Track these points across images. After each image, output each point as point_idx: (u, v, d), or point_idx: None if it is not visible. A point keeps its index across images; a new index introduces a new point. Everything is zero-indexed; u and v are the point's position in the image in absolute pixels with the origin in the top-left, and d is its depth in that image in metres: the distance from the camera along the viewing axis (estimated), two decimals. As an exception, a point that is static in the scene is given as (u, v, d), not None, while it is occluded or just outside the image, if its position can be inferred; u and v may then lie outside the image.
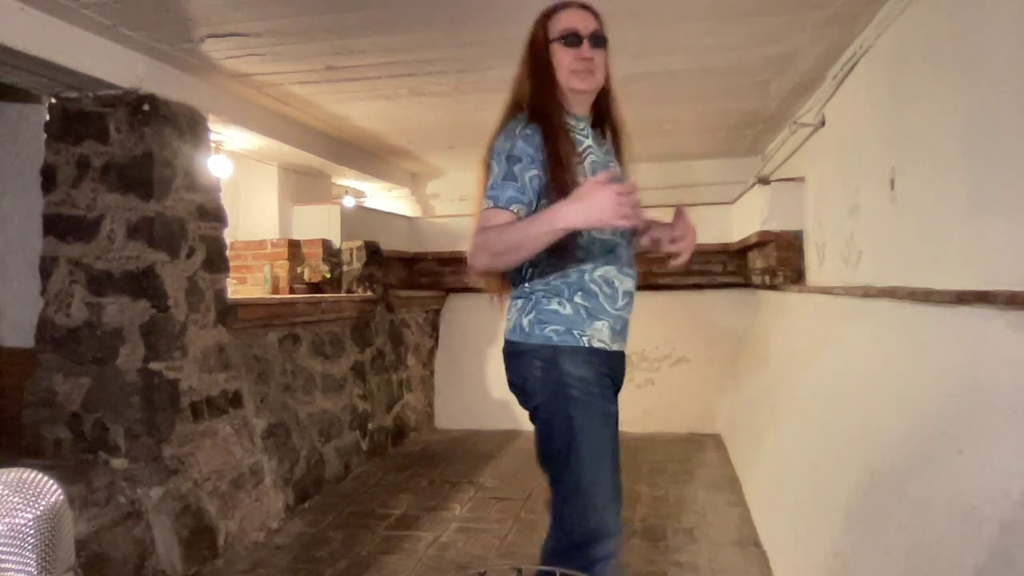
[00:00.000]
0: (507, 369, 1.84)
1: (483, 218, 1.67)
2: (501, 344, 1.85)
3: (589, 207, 1.52)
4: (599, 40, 1.79)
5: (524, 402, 1.82)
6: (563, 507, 1.76)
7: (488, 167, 1.74)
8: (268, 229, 5.04)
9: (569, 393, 1.72)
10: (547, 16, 1.80)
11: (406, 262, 6.02)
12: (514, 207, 1.64)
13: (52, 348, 3.11)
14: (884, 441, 2.15)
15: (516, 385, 1.82)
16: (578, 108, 1.82)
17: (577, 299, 1.75)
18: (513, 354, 1.80)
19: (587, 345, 1.74)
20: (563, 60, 1.76)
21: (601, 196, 1.50)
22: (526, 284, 1.79)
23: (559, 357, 1.73)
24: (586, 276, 1.75)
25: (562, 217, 1.54)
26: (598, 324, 1.75)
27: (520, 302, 1.80)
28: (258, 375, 3.77)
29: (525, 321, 1.77)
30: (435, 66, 3.50)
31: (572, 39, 1.76)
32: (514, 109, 1.81)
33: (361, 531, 3.53)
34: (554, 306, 1.74)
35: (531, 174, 1.67)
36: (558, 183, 1.66)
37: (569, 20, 1.78)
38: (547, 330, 1.74)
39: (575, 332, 1.73)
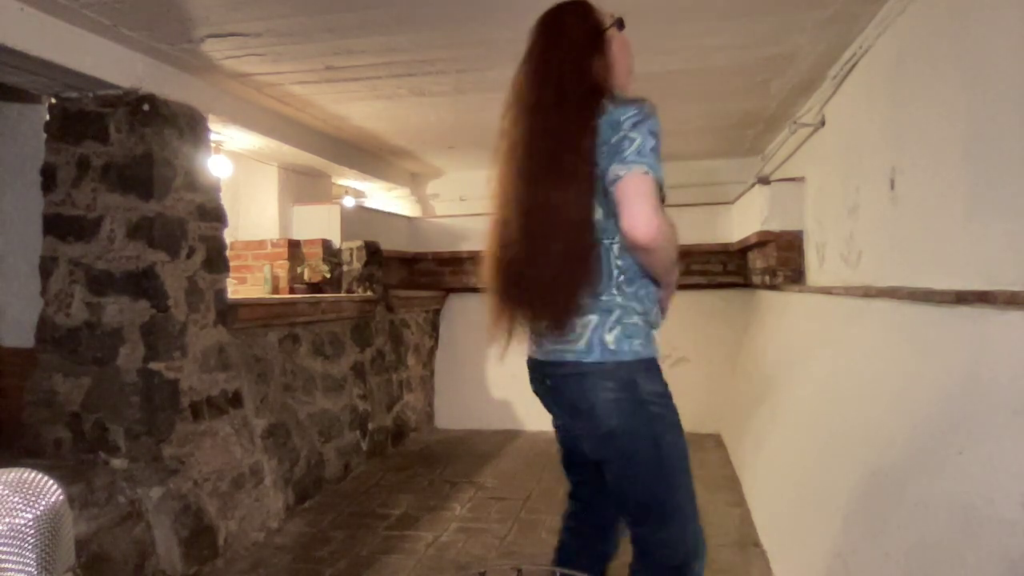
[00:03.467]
0: (563, 392, 1.67)
1: (650, 184, 1.49)
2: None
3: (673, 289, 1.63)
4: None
5: (589, 425, 1.66)
6: (658, 532, 1.67)
7: (584, 130, 1.55)
8: (268, 229, 5.04)
9: (650, 411, 1.63)
10: (587, 4, 1.71)
11: (406, 262, 6.02)
12: (662, 189, 1.53)
13: (52, 348, 3.11)
14: (884, 441, 2.15)
15: (579, 410, 1.66)
16: None
17: (647, 306, 1.66)
18: (576, 376, 1.63)
19: (656, 356, 1.66)
20: (625, 47, 1.72)
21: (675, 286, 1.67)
22: (606, 296, 1.61)
23: (636, 375, 1.62)
24: (651, 287, 1.68)
25: (675, 276, 1.62)
26: (655, 334, 1.70)
27: (594, 317, 1.61)
28: (258, 375, 3.77)
29: (609, 337, 1.60)
30: (435, 66, 3.50)
31: (622, 25, 1.71)
32: (592, 95, 1.60)
33: (361, 531, 3.53)
34: (635, 318, 1.62)
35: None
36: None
37: (605, 8, 1.71)
38: (635, 344, 1.62)
39: (650, 344, 1.65)
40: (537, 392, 1.81)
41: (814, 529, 2.47)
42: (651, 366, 1.65)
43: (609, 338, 1.60)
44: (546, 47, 1.68)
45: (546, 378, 1.71)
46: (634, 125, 1.53)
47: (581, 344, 1.61)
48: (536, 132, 1.62)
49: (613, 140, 1.53)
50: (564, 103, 1.60)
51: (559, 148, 1.58)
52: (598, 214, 1.58)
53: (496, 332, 1.73)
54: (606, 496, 1.83)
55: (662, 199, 1.53)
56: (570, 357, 1.63)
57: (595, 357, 1.60)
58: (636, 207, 1.48)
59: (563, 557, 1.91)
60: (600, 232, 1.59)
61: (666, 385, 1.67)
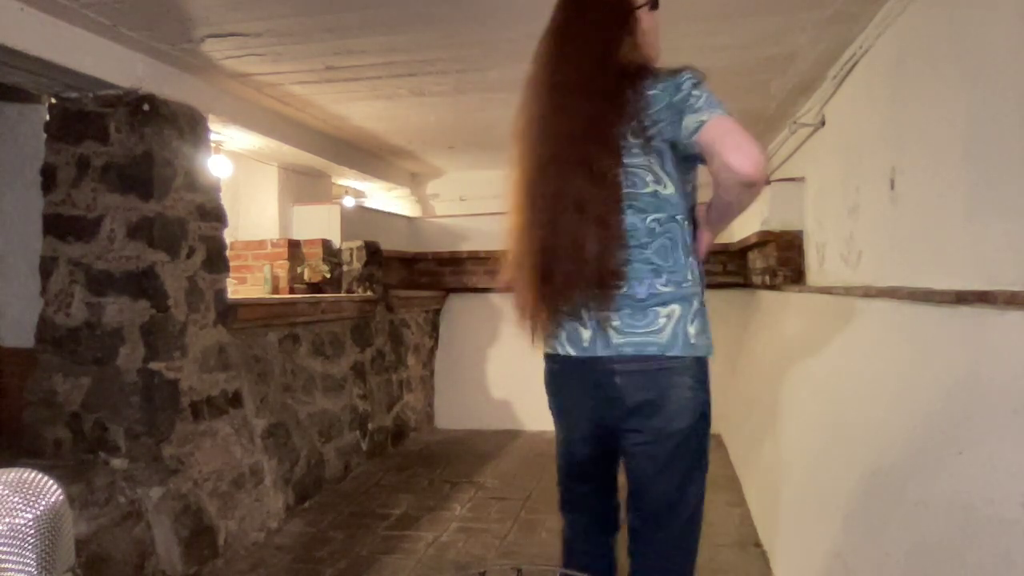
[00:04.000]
0: (632, 388, 1.55)
1: (734, 121, 1.44)
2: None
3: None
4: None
5: (654, 422, 1.56)
6: (677, 533, 1.64)
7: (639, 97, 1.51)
8: (268, 229, 5.04)
9: (708, 416, 1.59)
10: None
11: (406, 262, 6.02)
12: None
13: (52, 348, 3.11)
14: (884, 441, 2.15)
15: (652, 406, 1.55)
16: None
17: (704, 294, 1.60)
18: (660, 371, 1.53)
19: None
20: (656, 27, 1.66)
21: None
22: (686, 282, 1.54)
23: (707, 372, 1.57)
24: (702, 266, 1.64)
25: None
26: None
27: (678, 307, 1.53)
28: (258, 375, 3.76)
29: (692, 330, 1.53)
30: (435, 66, 3.50)
31: (656, 4, 1.65)
32: (631, 72, 1.55)
33: (361, 531, 3.53)
34: (706, 310, 1.57)
35: None
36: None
37: None
38: (707, 339, 1.56)
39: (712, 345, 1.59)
40: (569, 392, 1.69)
41: (814, 529, 2.47)
42: (707, 366, 1.61)
43: (692, 330, 1.53)
44: (575, 23, 1.61)
45: (612, 374, 1.56)
46: (694, 85, 1.49)
47: (664, 336, 1.52)
48: (567, 111, 1.55)
49: (673, 101, 1.49)
50: (599, 81, 1.53)
51: (597, 125, 1.52)
52: (668, 188, 1.54)
53: (526, 324, 1.65)
54: (614, 501, 1.81)
55: None
56: (652, 350, 1.52)
57: (678, 351, 1.52)
58: (734, 141, 1.41)
59: (603, 567, 1.82)
60: (672, 208, 1.55)
61: None
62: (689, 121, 1.47)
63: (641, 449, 1.61)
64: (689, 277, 1.56)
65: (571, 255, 1.53)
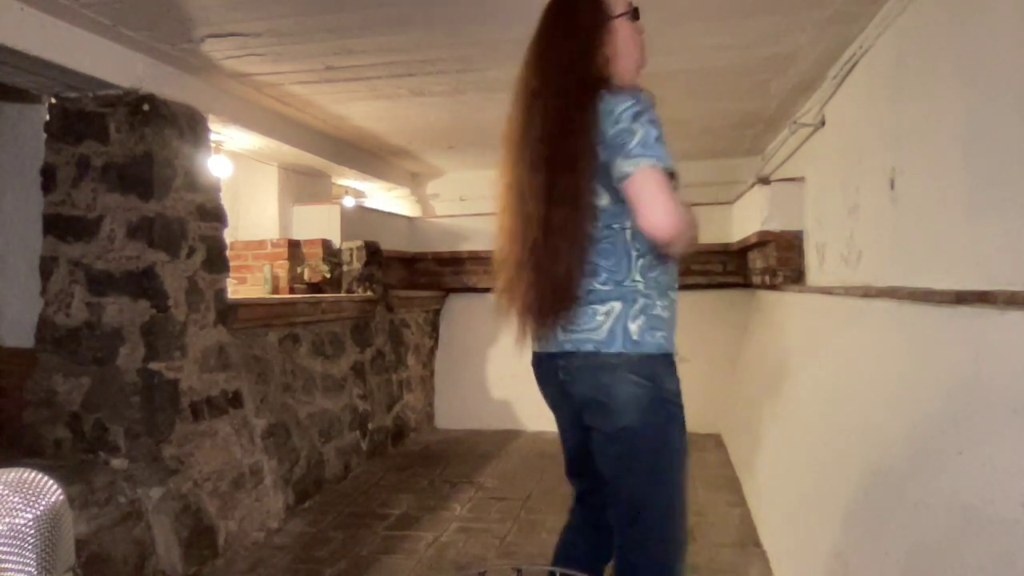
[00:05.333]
0: (579, 384, 1.60)
1: (661, 179, 1.43)
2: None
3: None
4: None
5: (604, 418, 1.59)
6: (653, 531, 1.64)
7: (584, 129, 1.51)
8: (268, 229, 5.04)
9: (670, 411, 1.59)
10: None
11: (406, 262, 6.02)
12: (674, 178, 1.47)
13: (52, 348, 3.11)
14: (884, 441, 2.15)
15: (597, 403, 1.59)
16: None
17: (671, 297, 1.60)
18: (599, 368, 1.56)
19: (675, 352, 1.62)
20: (635, 37, 1.64)
21: None
22: (629, 281, 1.56)
23: (661, 370, 1.57)
24: (675, 272, 1.64)
25: (692, 233, 1.52)
26: (674, 327, 1.65)
27: (617, 304, 1.55)
28: (258, 375, 3.76)
29: (633, 327, 1.54)
30: (435, 66, 3.50)
31: (636, 15, 1.64)
32: (590, 84, 1.56)
33: (361, 531, 3.53)
34: (658, 310, 1.57)
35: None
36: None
37: None
38: (658, 336, 1.56)
39: (672, 338, 1.59)
40: (545, 389, 1.74)
41: (814, 529, 2.47)
42: (671, 362, 1.61)
43: (633, 327, 1.54)
44: (553, 31, 1.63)
45: (559, 371, 1.63)
46: (633, 117, 1.49)
47: (602, 333, 1.55)
48: (536, 117, 1.58)
49: (611, 132, 1.50)
50: (564, 90, 1.56)
51: (558, 134, 1.54)
52: (604, 200, 1.55)
53: (506, 323, 1.68)
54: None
55: (675, 186, 1.49)
56: (589, 347, 1.56)
57: (617, 347, 1.54)
58: (650, 204, 1.43)
59: (571, 556, 1.86)
60: (610, 217, 1.56)
61: (679, 383, 1.64)
62: (619, 166, 1.48)
63: (600, 447, 1.64)
64: (637, 278, 1.57)
65: (530, 258, 1.57)
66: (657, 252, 1.56)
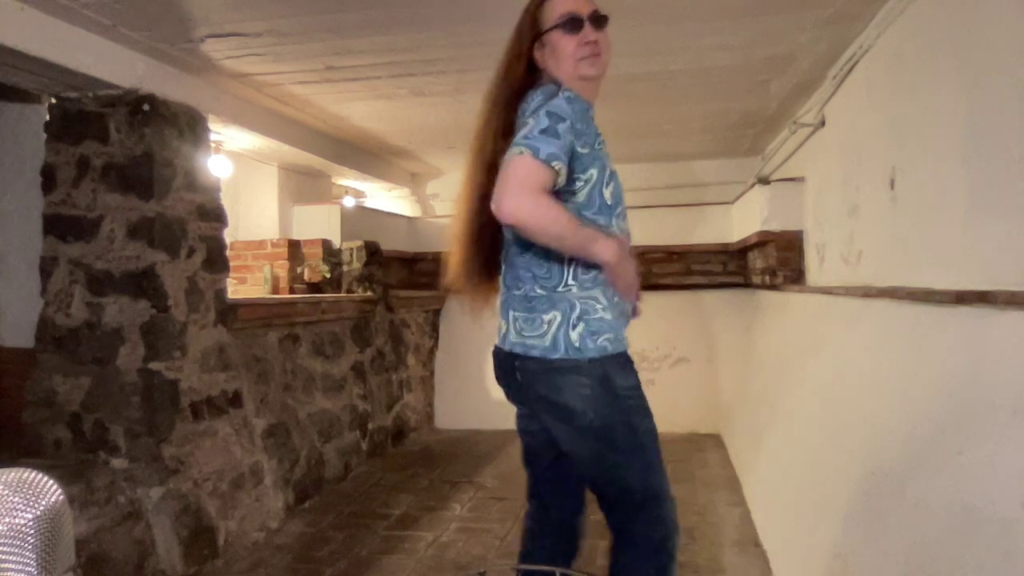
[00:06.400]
0: (535, 386, 1.66)
1: (520, 165, 1.46)
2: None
3: (623, 271, 1.57)
4: (600, 20, 1.69)
5: (563, 419, 1.66)
6: (640, 513, 1.69)
7: (494, 127, 1.68)
8: (268, 229, 5.04)
9: (626, 404, 1.64)
10: (539, 3, 1.72)
11: (406, 262, 6.02)
12: (555, 164, 1.48)
13: (52, 348, 3.11)
14: (884, 441, 2.15)
15: (551, 402, 1.66)
16: (587, 96, 1.68)
17: (613, 300, 1.65)
18: (550, 371, 1.62)
19: (626, 350, 1.67)
20: (566, 48, 1.67)
21: (631, 273, 1.59)
22: (562, 287, 1.63)
23: (609, 371, 1.62)
24: None
25: (600, 251, 1.53)
26: (624, 323, 1.70)
27: (556, 313, 1.62)
28: (258, 375, 3.77)
29: (574, 335, 1.60)
30: (435, 66, 3.50)
31: (573, 24, 1.66)
32: (516, 89, 1.72)
33: (361, 531, 3.53)
34: (600, 312, 1.62)
35: (570, 138, 1.53)
36: (591, 167, 1.60)
37: (565, 4, 1.68)
38: (600, 340, 1.61)
39: (620, 338, 1.64)
40: (504, 383, 1.81)
41: (814, 529, 2.47)
42: (622, 360, 1.65)
43: (573, 336, 1.60)
44: (509, 39, 1.78)
45: (515, 371, 1.70)
46: (535, 110, 1.58)
47: (547, 340, 1.62)
48: (479, 121, 1.75)
49: (519, 124, 1.61)
50: (493, 92, 1.75)
51: (485, 136, 1.70)
52: None
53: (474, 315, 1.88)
54: (565, 491, 1.85)
55: (557, 175, 1.51)
56: (536, 352, 1.63)
57: (560, 354, 1.61)
58: (500, 186, 1.48)
59: (527, 561, 1.88)
60: None
61: (637, 375, 1.69)
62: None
63: (565, 442, 1.71)
64: (570, 282, 1.62)
65: (474, 255, 1.74)
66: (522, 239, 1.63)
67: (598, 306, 1.63)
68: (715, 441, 5.17)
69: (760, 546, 3.14)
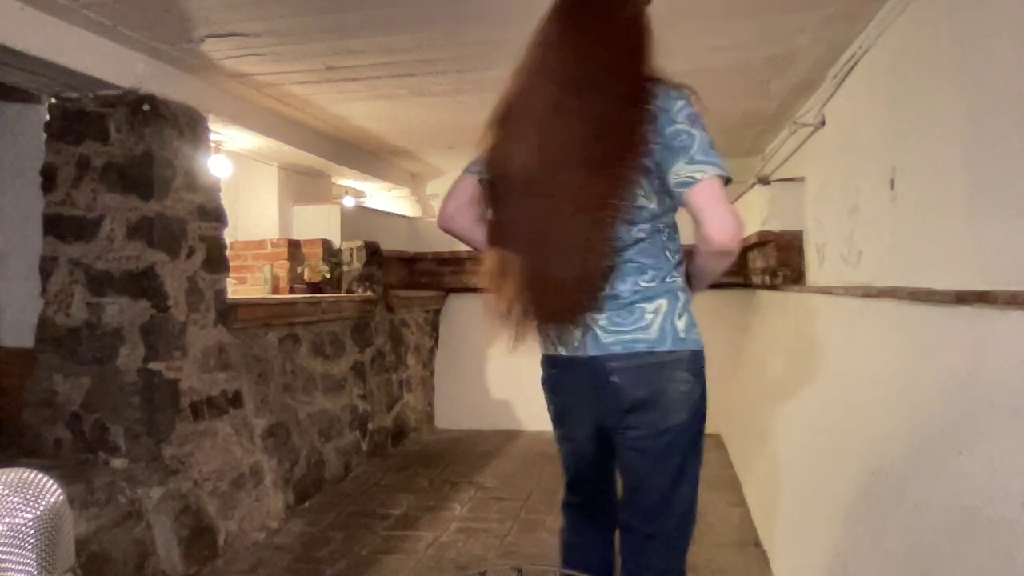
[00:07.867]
0: (629, 385, 1.53)
1: (721, 190, 1.42)
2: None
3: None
4: None
5: (651, 422, 1.54)
6: (674, 524, 1.64)
7: (643, 118, 1.45)
8: (268, 229, 5.04)
9: (704, 410, 1.58)
10: None
11: (406, 262, 6.02)
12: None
13: (52, 348, 3.11)
14: (884, 441, 2.15)
15: (648, 402, 1.53)
16: None
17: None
18: (651, 366, 1.51)
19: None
20: (650, 28, 1.56)
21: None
22: (671, 278, 1.54)
23: (703, 366, 1.56)
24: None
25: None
26: None
27: (662, 302, 1.52)
28: (258, 375, 3.76)
29: (680, 324, 1.52)
30: (435, 66, 3.50)
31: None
32: (642, 78, 1.50)
33: (361, 531, 3.53)
34: (690, 304, 1.56)
35: None
36: None
37: None
38: (696, 332, 1.53)
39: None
40: (566, 394, 1.67)
41: (814, 529, 2.47)
42: (704, 360, 1.61)
43: (680, 325, 1.52)
44: (593, 16, 1.53)
45: (607, 374, 1.54)
46: (690, 119, 1.46)
47: (652, 332, 1.51)
48: (573, 111, 1.47)
49: (668, 131, 1.45)
50: (611, 85, 1.47)
51: (606, 132, 1.46)
52: (651, 201, 1.51)
53: (505, 325, 1.60)
54: (614, 500, 1.81)
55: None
56: (641, 347, 1.51)
57: (668, 346, 1.51)
58: (719, 215, 1.42)
59: (603, 567, 1.83)
60: (653, 218, 1.54)
61: None
62: (680, 171, 1.44)
63: (637, 444, 1.59)
64: (675, 274, 1.56)
65: (560, 257, 1.49)
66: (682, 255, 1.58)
67: (690, 300, 1.58)
68: (715, 441, 5.17)
69: (760, 546, 3.14)
